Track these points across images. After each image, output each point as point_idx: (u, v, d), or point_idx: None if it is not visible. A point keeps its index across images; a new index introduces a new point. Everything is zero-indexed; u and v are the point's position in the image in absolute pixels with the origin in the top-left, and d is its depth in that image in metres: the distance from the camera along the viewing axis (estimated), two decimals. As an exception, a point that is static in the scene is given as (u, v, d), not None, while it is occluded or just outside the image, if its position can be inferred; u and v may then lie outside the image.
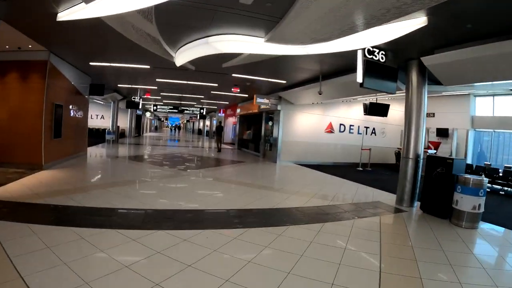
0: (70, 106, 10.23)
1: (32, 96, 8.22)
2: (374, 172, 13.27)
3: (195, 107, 26.01)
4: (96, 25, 5.76)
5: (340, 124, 15.89)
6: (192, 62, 8.19)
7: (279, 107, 14.12)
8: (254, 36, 6.31)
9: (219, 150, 18.53)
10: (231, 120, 26.94)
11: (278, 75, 10.56)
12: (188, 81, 12.68)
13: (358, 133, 16.29)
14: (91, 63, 9.62)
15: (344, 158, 15.78)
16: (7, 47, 7.88)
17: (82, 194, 6.04)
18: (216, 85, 13.06)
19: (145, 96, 18.81)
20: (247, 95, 16.33)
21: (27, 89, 8.25)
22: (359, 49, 6.51)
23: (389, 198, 7.59)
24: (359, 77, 6.57)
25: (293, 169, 12.50)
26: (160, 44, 6.72)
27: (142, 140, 25.46)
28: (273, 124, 15.15)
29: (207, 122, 40.75)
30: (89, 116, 24.80)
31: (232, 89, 13.01)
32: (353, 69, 8.28)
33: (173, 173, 9.49)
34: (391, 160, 16.31)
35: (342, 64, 8.33)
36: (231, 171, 11.18)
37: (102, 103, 22.42)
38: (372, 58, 6.60)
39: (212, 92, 15.87)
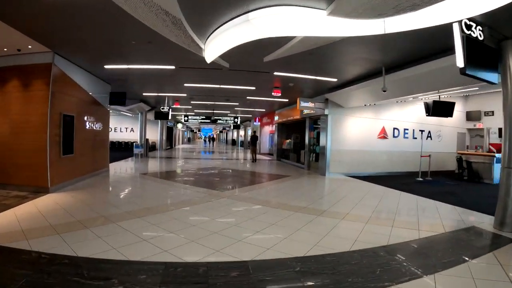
0: (85, 118, 8.88)
1: (35, 106, 6.91)
2: (437, 182, 11.14)
3: (229, 116, 24.55)
4: (96, 8, 4.57)
5: (394, 128, 13.67)
6: (225, 57, 6.50)
7: (326, 111, 12.00)
8: (311, 7, 4.49)
9: (254, 160, 17.73)
10: (268, 129, 25.30)
11: (328, 71, 8.65)
12: (220, 85, 11.04)
13: (413, 137, 14.08)
14: (106, 66, 8.26)
15: (400, 167, 13.55)
16: (5, 49, 6.67)
17: (82, 232, 4.43)
18: (254, 88, 11.33)
19: (174, 106, 17.59)
20: (287, 100, 14.52)
21: (29, 98, 6.96)
22: (455, 21, 4.55)
23: (480, 220, 5.81)
24: (459, 60, 4.63)
25: (348, 184, 10.34)
26: (184, 29, 5.02)
27: (174, 153, 24.18)
28: (318, 131, 13.08)
29: (241, 132, 39.37)
30: (118, 129, 24.77)
31: (272, 93, 11.18)
32: (428, 57, 6.59)
33: (206, 195, 7.58)
34: (449, 166, 14.17)
35: (412, 51, 6.50)
36: (276, 189, 9.10)
37: (131, 115, 21.63)
38: (470, 34, 4.67)
39: (248, 98, 14.20)
